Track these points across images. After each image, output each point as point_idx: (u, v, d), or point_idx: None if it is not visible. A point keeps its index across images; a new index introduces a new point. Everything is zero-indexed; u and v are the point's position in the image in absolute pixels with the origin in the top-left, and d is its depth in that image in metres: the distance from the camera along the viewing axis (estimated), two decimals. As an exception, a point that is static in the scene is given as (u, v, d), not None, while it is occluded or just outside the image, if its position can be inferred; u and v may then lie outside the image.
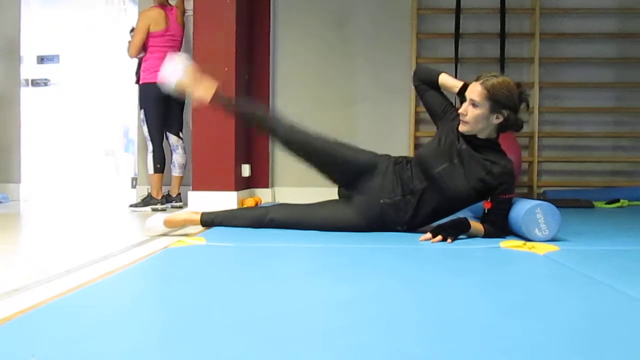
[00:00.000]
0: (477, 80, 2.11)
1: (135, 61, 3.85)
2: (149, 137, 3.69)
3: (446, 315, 1.05)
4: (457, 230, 2.05)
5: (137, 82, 3.80)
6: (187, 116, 3.94)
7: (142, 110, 3.68)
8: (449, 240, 1.98)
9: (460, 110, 2.13)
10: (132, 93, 4.34)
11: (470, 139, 2.17)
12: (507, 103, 2.08)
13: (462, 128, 2.15)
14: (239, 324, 0.98)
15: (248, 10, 4.10)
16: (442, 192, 2.15)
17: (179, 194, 3.89)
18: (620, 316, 1.06)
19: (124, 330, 0.96)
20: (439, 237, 1.99)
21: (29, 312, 1.06)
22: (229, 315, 1.05)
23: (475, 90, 2.09)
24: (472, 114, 2.09)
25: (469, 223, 2.08)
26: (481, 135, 2.15)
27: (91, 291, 1.26)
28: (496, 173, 2.10)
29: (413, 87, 2.43)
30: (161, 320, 1.03)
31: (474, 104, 2.09)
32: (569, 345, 0.87)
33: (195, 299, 1.19)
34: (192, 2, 3.62)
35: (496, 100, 2.07)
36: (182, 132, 3.87)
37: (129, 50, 3.69)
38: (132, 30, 3.73)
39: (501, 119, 2.11)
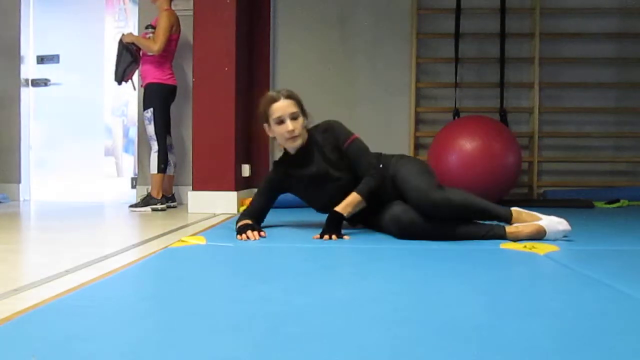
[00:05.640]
0: (273, 101, 2.17)
1: (112, 59, 3.84)
2: (155, 137, 3.68)
3: (446, 315, 1.05)
4: (335, 226, 2.10)
5: (120, 81, 3.77)
6: (181, 115, 3.95)
7: (151, 110, 3.66)
8: (333, 237, 2.05)
9: (288, 131, 2.16)
10: (132, 93, 4.35)
11: (306, 153, 2.25)
12: (300, 100, 2.23)
13: (295, 144, 2.20)
14: (238, 324, 0.98)
15: (248, 10, 4.10)
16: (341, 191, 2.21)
17: (173, 193, 3.92)
18: (621, 316, 1.06)
19: (124, 330, 0.96)
20: (326, 237, 2.05)
21: (29, 312, 1.06)
22: (228, 315, 1.05)
23: (287, 105, 2.17)
24: (300, 124, 2.19)
25: (340, 214, 2.12)
26: (303, 142, 2.22)
27: (91, 291, 1.26)
28: (327, 137, 2.25)
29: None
30: (161, 320, 1.03)
31: (295, 117, 2.17)
32: (569, 345, 0.87)
33: (196, 299, 1.19)
34: (192, 2, 3.62)
35: (299, 101, 2.22)
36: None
37: (151, 46, 3.60)
38: (149, 26, 3.72)
39: (305, 116, 2.23)
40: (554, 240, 2.02)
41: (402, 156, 2.39)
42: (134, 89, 3.97)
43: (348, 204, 2.13)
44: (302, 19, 4.42)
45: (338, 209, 2.13)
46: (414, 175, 2.17)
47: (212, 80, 3.52)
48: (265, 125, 2.25)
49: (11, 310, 1.09)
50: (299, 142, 2.21)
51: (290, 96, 2.20)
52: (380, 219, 2.25)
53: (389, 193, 2.24)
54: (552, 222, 2.05)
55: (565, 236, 2.06)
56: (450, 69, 4.30)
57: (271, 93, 2.24)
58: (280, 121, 2.17)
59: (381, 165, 2.26)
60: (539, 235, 2.02)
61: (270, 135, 2.27)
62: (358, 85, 4.40)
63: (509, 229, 2.05)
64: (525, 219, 2.09)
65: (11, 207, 3.92)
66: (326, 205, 2.24)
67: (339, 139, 2.25)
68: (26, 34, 4.59)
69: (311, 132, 2.27)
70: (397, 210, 2.10)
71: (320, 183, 2.25)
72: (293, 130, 2.16)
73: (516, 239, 2.02)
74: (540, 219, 2.07)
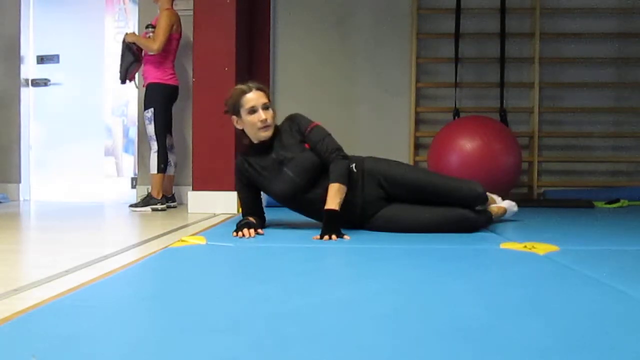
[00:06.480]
0: (244, 93, 2.22)
1: (116, 58, 3.84)
2: (154, 137, 3.68)
3: (447, 315, 1.05)
4: (334, 225, 2.08)
5: (123, 81, 3.77)
6: (182, 115, 3.95)
7: (151, 109, 3.66)
8: (333, 237, 2.02)
9: (261, 120, 2.20)
10: (133, 93, 4.35)
11: (267, 143, 2.28)
12: (269, 94, 2.30)
13: (266, 133, 2.24)
14: (238, 324, 0.98)
15: (248, 10, 4.10)
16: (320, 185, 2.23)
17: (173, 193, 3.92)
18: (620, 316, 1.06)
19: (124, 330, 0.96)
20: (326, 237, 2.02)
21: (29, 312, 1.06)
22: (228, 315, 1.05)
23: (259, 96, 2.22)
24: (271, 115, 2.25)
25: (333, 210, 2.10)
26: (272, 133, 2.27)
27: (91, 291, 1.26)
28: (290, 125, 2.31)
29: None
30: (161, 320, 1.03)
31: (266, 107, 2.23)
32: (569, 345, 0.87)
33: (195, 299, 1.19)
34: (192, 2, 3.62)
35: (268, 94, 2.28)
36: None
37: (151, 45, 3.61)
38: (149, 26, 3.72)
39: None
40: (510, 217, 2.71)
41: (373, 157, 2.40)
42: (136, 87, 3.98)
43: (332, 197, 2.13)
44: (302, 19, 4.42)
45: (328, 206, 2.11)
46: (427, 174, 2.52)
47: (212, 80, 3.52)
48: (234, 117, 2.28)
49: (11, 310, 1.09)
50: (269, 132, 2.26)
51: (260, 88, 2.26)
52: (375, 221, 2.29)
53: (367, 192, 2.28)
54: (510, 205, 2.69)
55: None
56: (450, 69, 4.30)
57: (241, 86, 2.28)
58: (253, 111, 2.21)
59: (354, 165, 2.27)
60: (504, 214, 2.64)
61: (239, 127, 2.30)
62: (358, 85, 4.40)
63: (491, 210, 2.54)
64: (490, 199, 2.61)
65: (11, 207, 3.92)
66: (289, 190, 2.25)
67: (300, 125, 2.31)
68: (26, 34, 4.59)
69: (276, 126, 2.33)
70: (463, 212, 2.25)
71: (278, 168, 2.27)
72: (266, 120, 2.21)
73: (497, 217, 2.57)
74: (497, 201, 2.68)
